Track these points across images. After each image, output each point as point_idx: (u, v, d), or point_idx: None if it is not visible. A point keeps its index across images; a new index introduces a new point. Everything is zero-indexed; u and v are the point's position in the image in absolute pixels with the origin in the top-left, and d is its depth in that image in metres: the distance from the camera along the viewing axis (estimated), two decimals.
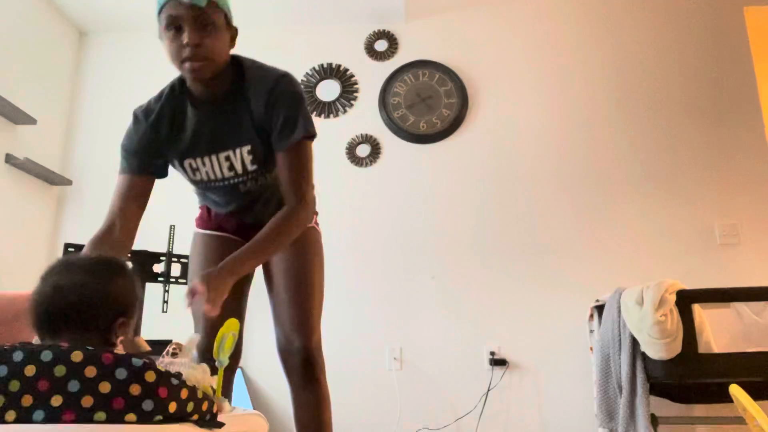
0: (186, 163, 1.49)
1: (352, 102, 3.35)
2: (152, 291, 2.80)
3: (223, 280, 1.28)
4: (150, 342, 2.87)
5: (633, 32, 3.35)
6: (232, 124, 1.44)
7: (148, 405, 0.87)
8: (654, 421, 2.25)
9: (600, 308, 2.64)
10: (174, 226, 2.84)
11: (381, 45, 3.42)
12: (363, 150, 3.27)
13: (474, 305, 3.00)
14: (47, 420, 0.84)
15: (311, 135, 1.44)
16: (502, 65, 3.35)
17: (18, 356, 0.87)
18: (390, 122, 3.27)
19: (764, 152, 3.11)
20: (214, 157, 1.46)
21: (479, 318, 2.98)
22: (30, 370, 0.86)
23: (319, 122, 3.35)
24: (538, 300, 2.98)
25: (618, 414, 2.36)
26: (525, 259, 3.04)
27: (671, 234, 3.03)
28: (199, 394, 0.96)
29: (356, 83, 3.37)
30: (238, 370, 2.89)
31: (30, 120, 2.96)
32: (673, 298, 2.18)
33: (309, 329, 1.51)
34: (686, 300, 2.20)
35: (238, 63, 1.52)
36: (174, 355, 1.20)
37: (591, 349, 2.77)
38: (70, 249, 2.51)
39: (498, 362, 2.89)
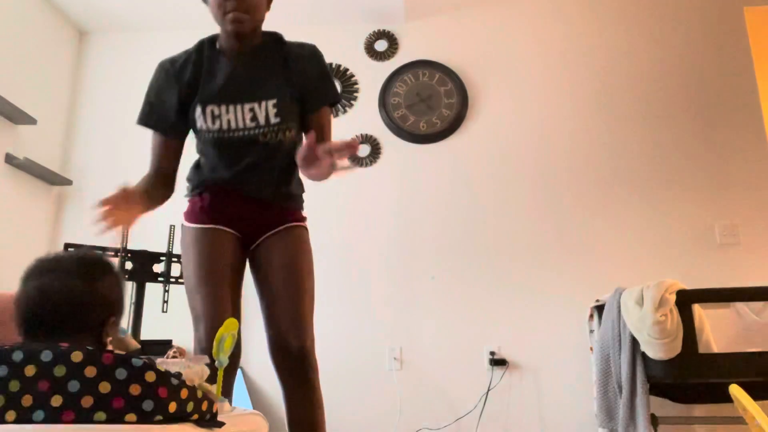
0: (208, 109, 1.51)
1: (352, 102, 3.35)
2: (152, 291, 2.80)
3: (321, 154, 1.36)
4: (150, 342, 2.88)
5: (633, 32, 3.35)
6: (263, 78, 1.53)
7: (148, 405, 0.87)
8: (654, 421, 2.25)
9: (600, 308, 2.64)
10: (174, 226, 2.84)
11: (381, 45, 3.42)
12: (363, 150, 3.27)
13: (474, 305, 3.00)
14: (47, 420, 0.84)
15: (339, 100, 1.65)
16: (502, 65, 3.35)
17: (18, 356, 0.87)
18: (390, 122, 3.27)
19: (764, 152, 3.11)
20: (239, 107, 1.51)
21: (479, 318, 2.98)
22: (30, 370, 0.86)
23: None
24: (538, 300, 2.98)
25: (618, 414, 2.36)
26: (525, 259, 3.04)
27: (671, 234, 3.03)
28: (199, 394, 0.96)
29: (356, 83, 3.37)
30: (238, 370, 2.89)
31: (30, 120, 2.96)
32: (673, 298, 2.18)
33: (305, 330, 1.51)
34: (686, 300, 2.20)
35: (270, 32, 1.64)
36: (174, 358, 1.20)
37: (591, 349, 2.77)
38: (70, 249, 2.51)
39: (498, 362, 2.89)
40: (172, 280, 2.72)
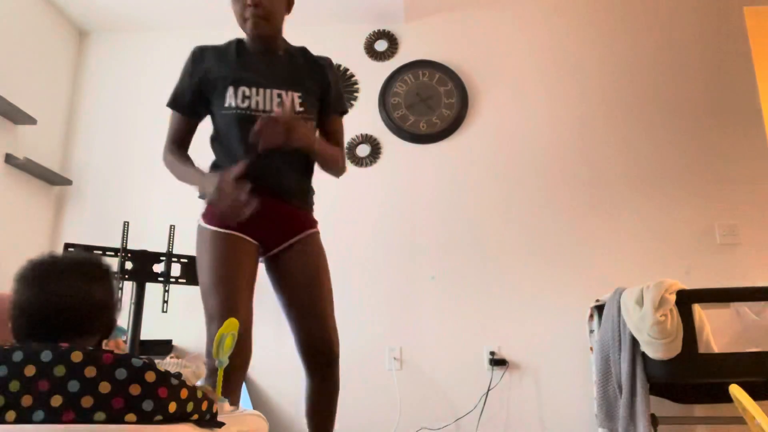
0: (240, 89, 1.62)
1: (352, 102, 3.34)
2: (152, 291, 2.80)
3: (308, 130, 1.62)
4: (150, 342, 2.89)
5: (632, 32, 3.35)
6: (290, 73, 1.68)
7: (148, 405, 0.87)
8: (654, 421, 2.25)
9: (600, 308, 2.64)
10: (174, 226, 2.84)
11: (381, 45, 3.42)
12: (363, 150, 3.27)
13: (474, 305, 3.00)
14: (47, 420, 0.84)
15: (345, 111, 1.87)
16: (502, 65, 3.35)
17: (18, 356, 0.87)
18: (390, 122, 3.27)
19: (764, 152, 3.11)
20: (268, 91, 1.64)
21: (479, 318, 2.98)
22: (30, 370, 0.86)
23: None
24: (538, 300, 2.98)
25: (618, 414, 2.36)
26: (525, 259, 3.04)
27: (671, 234, 3.03)
28: (199, 394, 0.96)
29: (356, 83, 3.37)
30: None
31: (30, 120, 2.96)
32: (673, 298, 2.18)
33: (335, 339, 1.67)
34: (686, 300, 2.21)
35: (296, 46, 1.82)
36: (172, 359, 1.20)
37: (591, 349, 2.77)
38: (70, 249, 2.51)
39: (498, 362, 2.89)
40: (172, 280, 2.72)
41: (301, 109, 1.66)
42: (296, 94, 1.66)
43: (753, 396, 1.39)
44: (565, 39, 3.36)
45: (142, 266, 2.65)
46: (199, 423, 0.94)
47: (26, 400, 0.85)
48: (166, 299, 2.70)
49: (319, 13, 3.38)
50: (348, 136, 3.28)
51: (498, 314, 2.98)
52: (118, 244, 2.96)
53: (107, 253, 2.58)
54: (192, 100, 1.73)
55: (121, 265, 2.59)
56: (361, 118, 3.31)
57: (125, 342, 2.56)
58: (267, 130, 1.50)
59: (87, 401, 0.85)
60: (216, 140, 1.74)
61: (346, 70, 3.40)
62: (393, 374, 2.94)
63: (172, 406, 0.89)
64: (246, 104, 1.62)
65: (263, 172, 1.62)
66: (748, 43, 3.26)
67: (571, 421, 2.81)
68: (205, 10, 3.38)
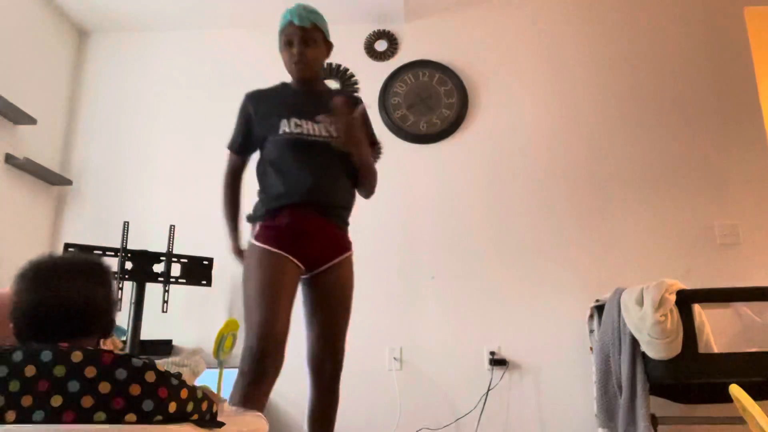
0: (292, 120, 1.86)
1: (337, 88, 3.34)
2: (152, 291, 2.80)
3: (360, 135, 1.85)
4: (150, 342, 2.88)
5: (632, 33, 3.35)
6: (327, 107, 1.87)
7: (148, 405, 0.87)
8: (654, 421, 2.25)
9: (600, 308, 2.63)
10: (174, 226, 2.85)
11: (381, 45, 3.42)
12: None
13: (474, 305, 3.00)
14: (47, 420, 0.84)
15: (376, 143, 2.11)
16: (502, 65, 3.35)
17: (18, 356, 0.87)
18: (390, 122, 3.27)
19: (764, 152, 3.11)
20: (316, 124, 1.87)
21: (479, 318, 2.98)
22: (30, 371, 0.86)
23: None
24: (538, 300, 2.98)
25: (618, 414, 2.36)
26: (525, 259, 3.04)
27: (671, 234, 3.03)
28: (199, 394, 0.96)
29: (356, 83, 3.37)
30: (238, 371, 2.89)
31: (30, 120, 2.96)
32: (673, 298, 2.18)
33: (343, 351, 1.89)
34: (686, 300, 2.20)
35: (333, 89, 2.17)
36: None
37: (591, 349, 2.77)
38: (70, 249, 2.51)
39: (498, 362, 2.89)
40: (172, 280, 2.72)
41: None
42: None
43: (753, 396, 1.39)
44: (565, 39, 3.36)
45: (142, 266, 2.65)
46: (199, 423, 0.94)
47: (26, 400, 0.85)
48: (166, 299, 2.70)
49: None
50: None
51: (498, 314, 2.98)
52: (118, 244, 2.96)
53: (107, 253, 2.59)
54: (243, 142, 1.96)
55: (121, 265, 2.59)
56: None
57: (125, 342, 2.57)
58: (341, 113, 1.77)
59: (87, 401, 0.85)
60: (269, 165, 1.89)
61: (346, 70, 3.40)
62: (393, 374, 2.94)
63: (172, 406, 0.89)
64: (298, 130, 1.85)
65: (315, 190, 1.82)
66: (748, 43, 3.26)
67: (571, 421, 2.81)
68: (205, 10, 3.38)
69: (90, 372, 0.86)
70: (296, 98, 1.93)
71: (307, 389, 1.88)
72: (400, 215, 3.15)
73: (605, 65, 3.31)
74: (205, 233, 3.16)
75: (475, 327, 2.97)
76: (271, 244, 1.77)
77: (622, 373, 2.32)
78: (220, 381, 1.80)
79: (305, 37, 1.86)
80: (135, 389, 0.86)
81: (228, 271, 3.08)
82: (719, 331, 2.42)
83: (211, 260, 2.85)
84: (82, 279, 1.02)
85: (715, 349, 2.25)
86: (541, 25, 3.40)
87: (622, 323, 2.35)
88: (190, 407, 0.93)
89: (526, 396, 2.86)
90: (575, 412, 2.82)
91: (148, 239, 3.09)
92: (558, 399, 2.85)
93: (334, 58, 3.42)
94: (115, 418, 0.85)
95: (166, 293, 2.71)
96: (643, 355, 2.25)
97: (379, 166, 3.22)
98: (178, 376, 0.93)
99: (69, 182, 3.28)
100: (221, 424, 0.98)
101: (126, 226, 2.68)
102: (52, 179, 3.19)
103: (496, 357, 2.90)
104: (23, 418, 0.84)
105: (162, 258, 2.72)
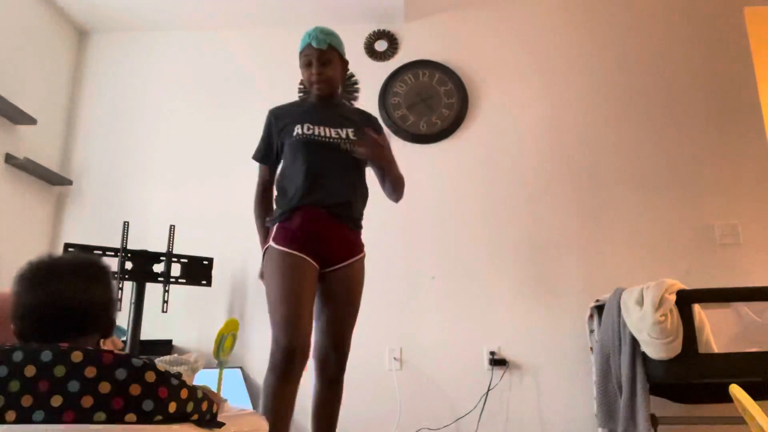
0: (305, 125, 1.98)
1: (352, 102, 3.34)
2: (152, 291, 2.80)
3: (390, 154, 2.03)
4: (150, 342, 2.88)
5: (633, 33, 3.35)
6: (344, 118, 2.06)
7: (148, 405, 0.87)
8: (654, 421, 2.25)
9: (600, 308, 2.63)
10: (174, 226, 2.85)
11: (381, 45, 3.42)
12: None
13: (474, 305, 3.00)
14: (47, 420, 0.84)
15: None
16: (502, 65, 3.35)
17: (18, 356, 0.87)
18: (390, 122, 3.27)
19: (764, 152, 3.11)
20: (328, 128, 2.00)
21: (479, 318, 2.98)
22: (30, 371, 0.86)
23: None
24: (538, 300, 2.98)
25: (618, 414, 2.36)
26: (525, 259, 3.04)
27: (671, 234, 3.03)
28: (199, 395, 0.96)
29: (356, 83, 3.37)
30: (238, 370, 2.90)
31: (30, 120, 2.96)
32: (673, 298, 2.18)
33: (348, 347, 1.96)
34: (686, 300, 2.20)
35: (351, 106, 2.26)
36: (196, 362, 1.22)
37: (591, 349, 2.77)
38: (70, 249, 2.51)
39: (498, 362, 2.89)
40: (172, 280, 2.72)
41: (355, 138, 1.99)
42: (350, 130, 2.01)
43: (753, 396, 1.39)
44: (565, 39, 3.37)
45: (142, 266, 2.65)
46: (199, 423, 0.94)
47: (26, 400, 0.85)
48: (166, 299, 2.70)
49: (319, 13, 3.38)
50: None
51: (498, 314, 2.98)
52: (118, 244, 2.96)
53: (107, 253, 2.59)
54: (266, 151, 2.08)
55: (121, 265, 2.59)
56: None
57: (125, 342, 2.56)
58: (370, 142, 1.93)
59: (87, 401, 0.85)
60: (285, 169, 2.00)
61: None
62: (393, 374, 2.94)
63: (172, 406, 0.89)
64: (310, 132, 1.97)
65: (330, 195, 1.92)
66: (748, 43, 3.26)
67: (571, 421, 2.81)
68: (205, 11, 3.38)
69: (90, 372, 0.86)
70: (312, 109, 2.06)
71: (312, 383, 1.94)
72: (400, 215, 3.14)
73: (605, 65, 3.31)
74: (205, 233, 3.16)
75: (475, 327, 2.97)
76: (287, 246, 1.86)
77: (622, 373, 2.32)
78: (220, 381, 1.80)
79: (322, 59, 2.00)
80: (135, 389, 0.86)
81: (228, 271, 3.08)
82: (719, 331, 2.42)
83: (211, 260, 2.85)
84: (81, 279, 1.02)
85: (715, 349, 2.25)
86: (541, 24, 3.40)
87: (622, 323, 2.35)
88: (190, 407, 0.93)
89: (526, 396, 2.87)
90: (575, 412, 2.82)
91: (148, 239, 3.09)
92: (558, 399, 2.85)
93: None
94: (115, 418, 0.85)
95: (166, 293, 2.71)
96: (643, 355, 2.25)
97: None
98: (178, 376, 0.93)
99: (69, 182, 3.28)
100: (221, 424, 0.98)
101: (126, 226, 2.68)
102: (52, 179, 3.19)
103: (496, 357, 2.90)
104: (23, 418, 0.84)
105: (162, 258, 2.72)
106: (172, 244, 2.78)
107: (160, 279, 2.68)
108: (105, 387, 0.85)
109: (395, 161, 2.08)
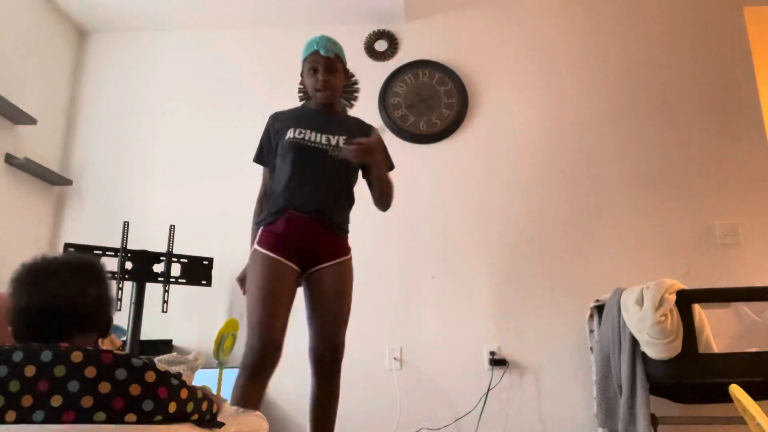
0: (297, 129, 2.02)
1: (353, 102, 3.34)
2: (152, 291, 2.80)
3: (383, 158, 2.03)
4: (150, 342, 2.88)
5: (632, 33, 3.35)
6: (339, 125, 2.08)
7: (147, 405, 0.87)
8: (654, 421, 2.25)
9: (600, 308, 2.64)
10: (174, 226, 2.84)
11: (381, 45, 3.42)
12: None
13: (474, 305, 3.00)
14: (47, 420, 0.84)
15: (392, 167, 2.20)
16: (502, 65, 3.35)
17: (18, 356, 0.87)
18: (390, 122, 3.27)
19: (764, 152, 3.11)
20: (319, 134, 2.02)
21: (479, 318, 2.98)
22: (30, 371, 0.86)
23: None
24: (538, 300, 2.98)
25: (618, 414, 2.36)
26: (525, 259, 3.04)
27: (671, 234, 3.03)
28: (199, 395, 0.96)
29: (356, 83, 3.37)
30: (238, 370, 2.89)
31: (30, 120, 2.96)
32: (673, 298, 2.18)
33: (342, 348, 1.98)
34: (686, 300, 2.20)
35: (351, 115, 2.27)
36: (196, 360, 1.22)
37: (591, 349, 2.77)
38: (70, 249, 2.51)
39: (498, 362, 2.89)
40: (172, 280, 2.72)
41: (343, 145, 2.00)
42: (342, 138, 2.02)
43: (753, 396, 1.39)
44: (565, 39, 3.37)
45: (142, 266, 2.65)
46: (199, 423, 0.94)
47: (26, 400, 0.85)
48: (166, 299, 2.70)
49: (319, 13, 3.39)
50: None
51: (498, 314, 2.98)
52: (118, 244, 2.96)
53: (107, 253, 2.59)
54: (265, 153, 2.12)
55: (121, 265, 2.59)
56: (361, 118, 3.30)
57: (124, 342, 2.56)
58: (357, 146, 1.90)
59: (87, 401, 0.85)
60: (276, 172, 2.04)
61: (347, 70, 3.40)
62: (393, 374, 2.94)
63: (172, 406, 0.89)
64: (300, 136, 2.00)
65: (310, 201, 1.94)
66: (748, 43, 3.26)
67: (571, 421, 2.81)
68: (205, 11, 3.38)
69: (90, 372, 0.86)
70: (309, 114, 2.10)
71: (309, 382, 1.97)
72: (400, 215, 3.14)
73: (605, 65, 3.31)
74: (205, 233, 3.16)
75: (475, 327, 2.97)
76: (269, 250, 1.90)
77: (622, 373, 2.32)
78: (220, 381, 1.80)
79: (329, 67, 2.03)
80: (135, 389, 0.86)
81: (228, 271, 3.08)
82: (719, 331, 2.42)
83: (211, 260, 2.85)
84: (76, 278, 1.02)
85: (715, 349, 2.25)
86: (541, 25, 3.40)
87: (622, 323, 2.35)
88: (190, 407, 0.93)
89: (526, 396, 2.86)
90: (575, 412, 2.82)
91: (148, 239, 3.10)
92: (558, 399, 2.85)
93: None
94: (115, 418, 0.85)
95: (166, 293, 2.70)
96: (643, 355, 2.25)
97: None
98: (178, 376, 0.93)
99: (69, 182, 3.27)
100: (221, 424, 0.98)
101: (126, 226, 2.68)
102: (52, 179, 3.19)
103: (496, 357, 2.90)
104: (23, 418, 0.85)
105: (162, 258, 2.72)
106: (172, 244, 2.78)
107: (160, 279, 2.68)
108: (105, 387, 0.85)
109: (384, 166, 2.07)
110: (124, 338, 2.59)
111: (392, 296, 3.04)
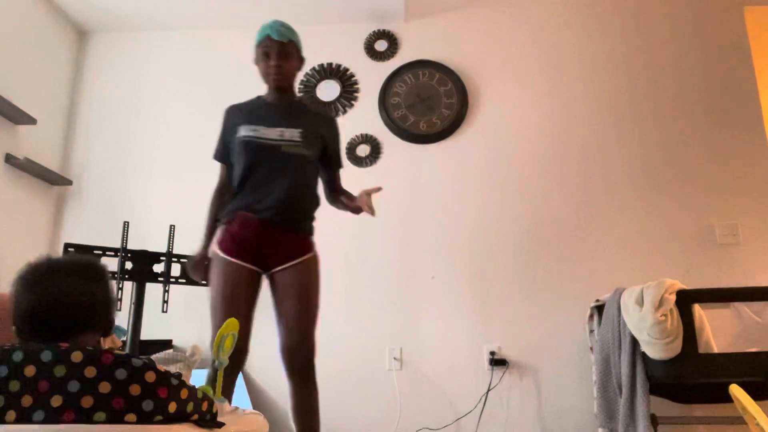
0: (251, 126, 1.99)
1: (353, 102, 3.34)
2: (152, 291, 2.80)
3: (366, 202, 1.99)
4: (150, 342, 2.88)
5: (632, 33, 3.35)
6: (295, 117, 2.04)
7: (148, 405, 0.87)
8: (654, 421, 2.25)
9: (600, 308, 2.63)
10: (174, 226, 2.84)
11: (381, 45, 3.42)
12: (363, 150, 3.27)
13: (474, 305, 3.00)
14: (47, 420, 0.84)
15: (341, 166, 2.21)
16: (502, 65, 3.35)
17: (18, 356, 0.87)
18: (390, 122, 3.27)
19: (764, 152, 3.11)
20: (273, 129, 1.99)
21: (479, 318, 2.98)
22: (30, 371, 0.86)
23: None
24: (538, 300, 2.98)
25: (618, 414, 2.36)
26: (525, 259, 3.04)
27: (671, 234, 3.03)
28: (199, 395, 0.96)
29: (356, 83, 3.37)
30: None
31: (30, 120, 2.96)
32: (673, 298, 2.18)
33: (311, 347, 1.94)
34: (686, 300, 2.20)
35: (306, 99, 2.19)
36: (192, 355, 1.23)
37: (591, 349, 2.77)
38: (69, 249, 2.51)
39: (498, 362, 2.89)
40: (172, 280, 2.72)
41: (299, 139, 1.99)
42: (297, 131, 1.99)
43: (753, 396, 1.39)
44: (565, 39, 3.36)
45: (142, 266, 2.65)
46: (199, 423, 0.94)
47: (26, 400, 0.85)
48: (166, 299, 2.70)
49: (319, 13, 3.39)
50: (348, 136, 3.28)
51: (498, 314, 2.98)
52: (118, 244, 2.97)
53: (107, 253, 2.59)
54: (222, 151, 2.11)
55: (121, 265, 2.59)
56: (361, 118, 3.31)
57: (125, 342, 2.56)
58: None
59: (87, 401, 0.85)
60: (234, 171, 2.04)
61: (346, 70, 3.40)
62: (393, 374, 2.94)
63: (172, 406, 0.89)
64: (253, 133, 1.97)
65: (264, 201, 1.93)
66: (748, 43, 3.26)
67: (571, 421, 2.81)
68: (205, 10, 3.38)
69: (90, 372, 0.86)
70: (263, 108, 2.06)
71: (286, 381, 1.96)
72: (400, 215, 3.15)
73: (605, 65, 3.31)
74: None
75: (475, 327, 2.97)
76: (226, 253, 1.93)
77: (622, 373, 2.32)
78: (220, 381, 1.81)
79: (282, 52, 1.99)
80: (135, 389, 0.86)
81: None
82: (719, 331, 2.42)
83: (210, 260, 2.85)
84: (80, 279, 1.03)
85: (715, 349, 2.25)
86: (541, 24, 3.40)
87: (622, 323, 2.35)
88: (190, 407, 0.93)
89: (526, 396, 2.87)
90: (575, 412, 2.82)
91: (148, 239, 3.10)
92: (558, 399, 2.85)
93: (334, 58, 3.43)
94: (115, 418, 0.85)
95: (166, 293, 2.70)
96: (643, 355, 2.25)
97: (379, 165, 3.25)
98: (179, 376, 0.93)
99: (69, 182, 3.27)
100: (221, 424, 0.98)
101: (126, 226, 2.68)
102: (52, 179, 3.19)
103: (496, 357, 2.90)
104: (23, 417, 0.84)
105: (162, 258, 2.72)
106: (172, 244, 2.78)
107: (160, 279, 2.68)
108: (105, 387, 0.85)
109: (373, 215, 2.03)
110: (124, 338, 2.59)
111: (392, 296, 3.04)
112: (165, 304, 2.70)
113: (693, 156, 3.13)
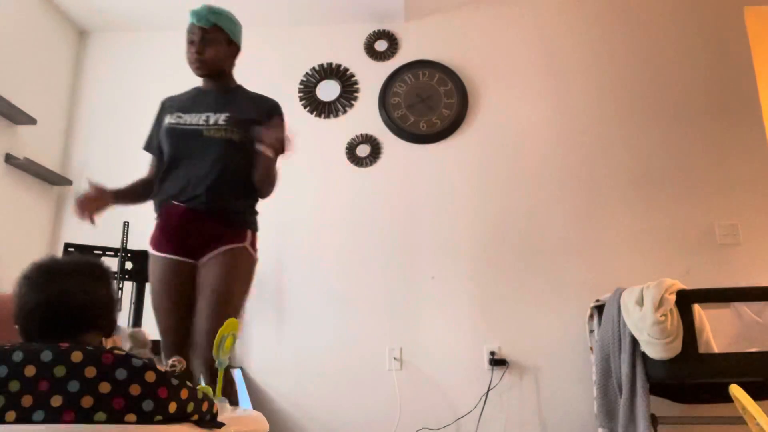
0: (176, 114, 1.95)
1: (352, 102, 3.34)
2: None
3: (273, 140, 1.82)
4: (150, 342, 2.87)
5: (632, 33, 3.35)
6: (224, 103, 1.97)
7: (148, 405, 0.87)
8: (654, 421, 2.25)
9: (600, 308, 2.64)
10: None
11: (381, 45, 3.42)
12: (363, 150, 3.27)
13: (474, 305, 3.00)
14: (47, 420, 0.84)
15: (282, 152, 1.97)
16: (502, 65, 3.35)
17: (18, 356, 0.87)
18: (390, 122, 3.27)
19: (764, 152, 3.11)
20: (199, 115, 1.94)
21: (479, 318, 2.98)
22: (30, 371, 0.86)
23: (319, 122, 3.35)
24: (538, 300, 2.98)
25: (618, 414, 2.36)
26: (525, 259, 3.04)
27: (671, 234, 3.03)
28: (199, 395, 0.96)
29: (356, 83, 3.37)
30: (238, 371, 2.90)
31: (30, 120, 2.96)
32: (673, 298, 2.18)
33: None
34: (686, 300, 2.20)
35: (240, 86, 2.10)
36: (173, 367, 1.23)
37: (591, 349, 2.77)
38: (70, 249, 2.51)
39: (498, 362, 2.89)
40: None
41: (223, 123, 1.90)
42: (224, 115, 1.92)
43: (753, 396, 1.39)
44: (565, 39, 3.36)
45: (142, 266, 2.65)
46: (199, 423, 0.94)
47: (26, 400, 0.85)
48: None
49: (319, 13, 3.39)
50: (348, 136, 3.28)
51: (498, 314, 2.98)
52: (118, 244, 2.97)
53: (107, 253, 2.59)
54: (151, 142, 2.06)
55: (121, 265, 2.59)
56: (361, 118, 3.31)
57: None
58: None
59: (87, 401, 0.85)
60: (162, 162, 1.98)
61: (346, 70, 3.40)
62: (393, 374, 2.94)
63: (173, 407, 0.89)
64: (176, 121, 1.94)
65: (185, 188, 1.86)
66: (748, 43, 3.26)
67: (571, 421, 2.81)
68: None
69: (90, 372, 0.86)
70: (194, 96, 2.02)
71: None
72: (400, 215, 3.15)
73: (605, 65, 3.31)
74: None
75: (475, 327, 2.97)
76: (155, 248, 1.89)
77: (622, 373, 2.32)
78: (220, 381, 1.81)
79: (204, 37, 1.93)
80: (135, 389, 0.86)
81: None
82: (719, 331, 2.42)
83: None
84: (83, 279, 1.03)
85: (715, 349, 2.25)
86: (541, 24, 3.40)
87: (622, 323, 2.35)
88: (190, 407, 0.93)
89: (526, 396, 2.86)
90: (575, 412, 2.82)
91: (146, 239, 3.09)
92: (558, 399, 2.85)
93: (334, 58, 3.42)
94: (115, 418, 0.85)
95: None
96: (643, 355, 2.25)
97: (380, 165, 3.24)
98: (178, 376, 0.93)
99: (69, 182, 3.27)
100: (221, 425, 0.98)
101: (126, 226, 2.68)
102: (52, 179, 3.19)
103: (496, 357, 2.90)
104: (23, 417, 0.84)
105: None
106: None
107: None
108: (105, 387, 0.85)
109: (271, 147, 1.85)
110: None
111: (392, 296, 3.04)
112: None
113: (693, 156, 3.13)
